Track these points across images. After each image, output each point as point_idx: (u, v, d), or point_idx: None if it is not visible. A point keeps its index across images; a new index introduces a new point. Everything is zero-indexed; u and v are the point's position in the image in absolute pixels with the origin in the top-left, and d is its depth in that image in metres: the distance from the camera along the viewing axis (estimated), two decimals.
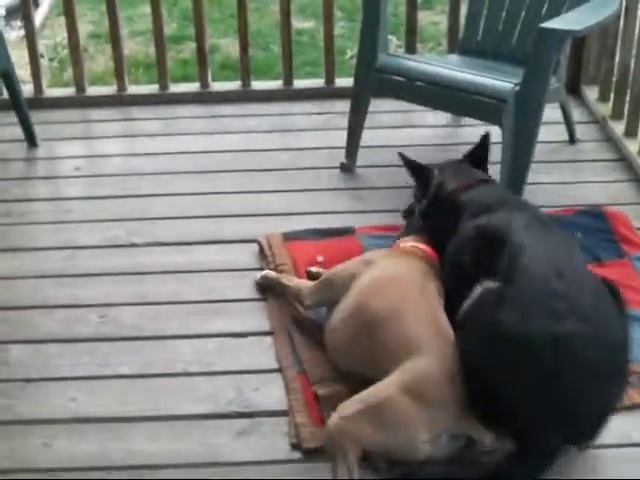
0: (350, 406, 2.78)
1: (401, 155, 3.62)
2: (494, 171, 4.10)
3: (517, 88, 4.00)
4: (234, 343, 3.41)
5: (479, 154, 3.66)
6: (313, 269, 3.68)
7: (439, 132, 4.93)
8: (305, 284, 3.50)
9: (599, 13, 4.20)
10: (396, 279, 3.20)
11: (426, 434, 2.72)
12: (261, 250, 3.89)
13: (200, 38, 5.26)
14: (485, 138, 3.66)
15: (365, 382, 2.99)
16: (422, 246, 3.36)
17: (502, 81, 4.09)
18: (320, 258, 3.76)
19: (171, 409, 3.11)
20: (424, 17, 6.67)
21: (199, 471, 2.88)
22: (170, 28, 6.82)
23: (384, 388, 2.81)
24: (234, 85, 5.43)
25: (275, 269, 3.72)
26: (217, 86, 5.45)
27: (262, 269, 3.76)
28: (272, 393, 3.16)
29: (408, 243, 3.39)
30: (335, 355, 3.21)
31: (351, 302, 3.17)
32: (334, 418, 2.75)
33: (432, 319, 3.02)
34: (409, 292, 3.12)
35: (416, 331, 2.96)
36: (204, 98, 5.34)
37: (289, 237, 3.94)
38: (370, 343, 3.02)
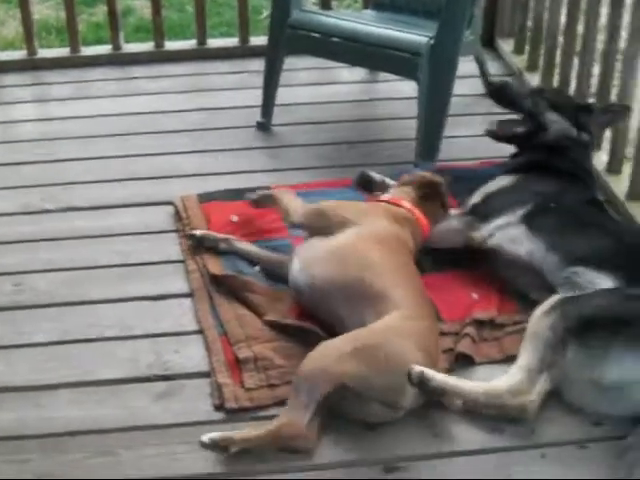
0: (342, 343, 2.79)
1: None
2: (411, 126, 4.12)
3: (432, 42, 3.99)
4: (152, 306, 3.37)
5: None
6: (198, 233, 3.60)
7: (356, 88, 4.90)
8: (296, 203, 3.46)
9: None
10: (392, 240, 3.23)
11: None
12: (177, 212, 3.84)
13: (111, 0, 5.16)
14: None
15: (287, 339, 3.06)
16: (417, 212, 3.39)
17: (417, 35, 4.08)
18: (235, 218, 3.71)
19: (90, 374, 3.07)
20: None
21: (120, 435, 2.84)
22: None
23: (382, 330, 2.85)
24: (147, 46, 5.34)
25: (190, 231, 3.67)
26: (130, 47, 5.37)
27: (177, 231, 3.73)
28: (192, 355, 3.13)
29: (405, 203, 3.42)
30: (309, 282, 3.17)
31: (346, 245, 3.16)
32: (319, 356, 2.76)
33: (421, 289, 3.10)
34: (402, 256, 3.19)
35: (408, 292, 3.03)
36: (116, 60, 5.24)
37: (204, 198, 3.89)
38: (355, 284, 3.02)
